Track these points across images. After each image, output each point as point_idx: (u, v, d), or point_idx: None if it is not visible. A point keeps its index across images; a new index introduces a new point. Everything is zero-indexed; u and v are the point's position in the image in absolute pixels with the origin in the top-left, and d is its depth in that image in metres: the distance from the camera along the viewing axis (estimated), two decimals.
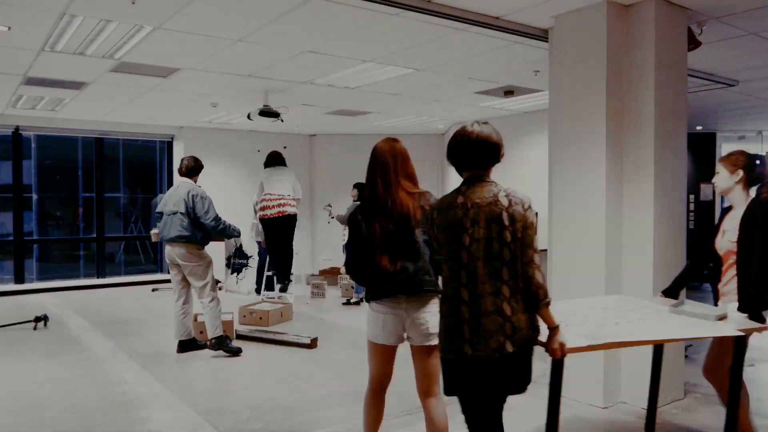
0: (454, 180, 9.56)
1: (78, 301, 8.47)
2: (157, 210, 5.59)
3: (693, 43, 4.33)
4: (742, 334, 2.84)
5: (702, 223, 10.48)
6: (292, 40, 4.96)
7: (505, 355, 2.32)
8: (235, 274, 9.72)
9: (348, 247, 3.06)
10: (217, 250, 8.74)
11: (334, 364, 5.22)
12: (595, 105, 4.01)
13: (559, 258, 4.30)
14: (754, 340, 3.00)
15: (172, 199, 5.45)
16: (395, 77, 6.35)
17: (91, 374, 4.88)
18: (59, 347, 5.77)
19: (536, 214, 2.45)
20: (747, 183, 3.27)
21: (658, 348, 3.35)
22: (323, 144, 11.43)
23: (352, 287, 8.50)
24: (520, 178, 8.58)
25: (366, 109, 8.48)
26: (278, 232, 7.67)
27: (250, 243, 9.50)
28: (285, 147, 11.36)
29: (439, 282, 2.63)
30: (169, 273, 5.62)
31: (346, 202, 11.25)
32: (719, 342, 3.30)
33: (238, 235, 5.91)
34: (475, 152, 2.44)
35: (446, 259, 2.47)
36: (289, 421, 3.85)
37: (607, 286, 4.01)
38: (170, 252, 5.41)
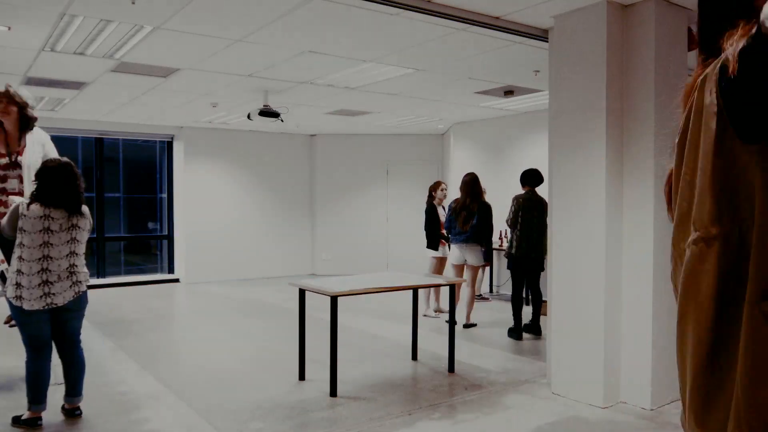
0: (453, 179, 9.59)
1: None
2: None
3: (693, 43, 4.33)
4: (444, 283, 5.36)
5: None
6: (292, 40, 4.96)
7: None
8: None
9: None
10: None
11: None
12: (595, 105, 4.01)
13: (559, 258, 4.30)
14: None
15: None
16: (395, 77, 6.35)
17: (91, 374, 4.88)
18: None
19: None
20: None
21: None
22: (323, 144, 11.42)
23: None
24: (519, 177, 8.59)
25: (366, 109, 8.48)
26: None
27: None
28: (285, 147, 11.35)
29: None
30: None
31: (346, 202, 11.26)
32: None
33: None
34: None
35: None
36: (291, 420, 3.85)
37: (607, 286, 4.01)
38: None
